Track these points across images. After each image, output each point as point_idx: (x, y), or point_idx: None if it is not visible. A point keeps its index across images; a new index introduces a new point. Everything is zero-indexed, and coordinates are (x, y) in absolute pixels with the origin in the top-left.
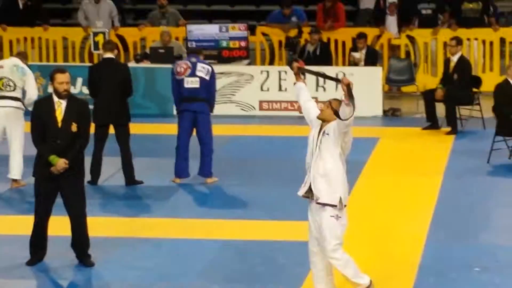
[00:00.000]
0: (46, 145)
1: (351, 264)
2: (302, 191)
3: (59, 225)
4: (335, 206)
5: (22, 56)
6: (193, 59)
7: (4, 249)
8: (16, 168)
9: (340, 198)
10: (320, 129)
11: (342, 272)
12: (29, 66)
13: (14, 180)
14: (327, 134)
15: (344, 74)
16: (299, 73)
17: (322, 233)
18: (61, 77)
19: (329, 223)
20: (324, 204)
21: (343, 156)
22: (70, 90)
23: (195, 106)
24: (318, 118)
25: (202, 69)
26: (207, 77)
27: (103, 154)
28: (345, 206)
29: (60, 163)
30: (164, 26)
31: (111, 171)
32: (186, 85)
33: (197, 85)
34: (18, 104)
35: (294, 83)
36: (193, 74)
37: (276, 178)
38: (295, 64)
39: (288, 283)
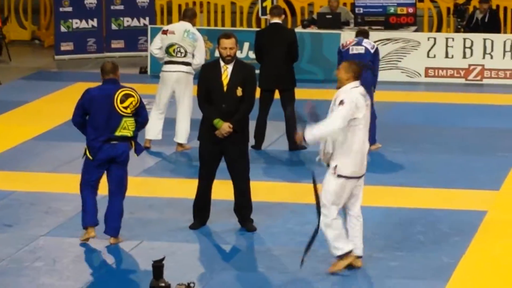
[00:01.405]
0: (211, 108)
1: (336, 226)
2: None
3: (223, 189)
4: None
5: (190, 15)
6: (360, 37)
7: (168, 212)
8: (182, 132)
9: (336, 166)
10: None
11: (324, 231)
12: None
13: (180, 144)
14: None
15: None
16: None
17: None
18: (225, 42)
19: (327, 179)
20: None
21: (352, 128)
22: (234, 55)
23: None
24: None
25: (369, 43)
26: (372, 51)
27: (267, 119)
28: (339, 176)
29: (224, 127)
30: None
31: (275, 136)
32: (351, 52)
33: (362, 51)
34: (188, 68)
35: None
36: (358, 44)
37: (440, 146)
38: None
39: (450, 252)
